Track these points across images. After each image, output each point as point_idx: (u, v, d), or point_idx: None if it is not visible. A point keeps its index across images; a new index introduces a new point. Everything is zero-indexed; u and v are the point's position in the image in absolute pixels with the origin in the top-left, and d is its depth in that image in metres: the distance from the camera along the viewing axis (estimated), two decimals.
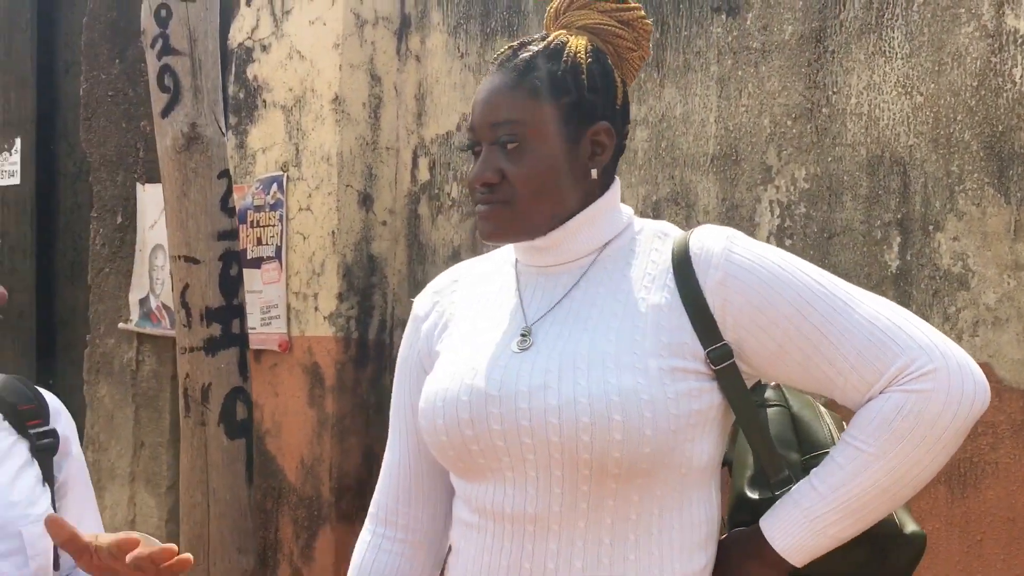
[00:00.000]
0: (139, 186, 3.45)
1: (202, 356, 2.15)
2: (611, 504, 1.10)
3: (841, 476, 1.09)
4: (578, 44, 1.16)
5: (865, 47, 2.16)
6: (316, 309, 2.98)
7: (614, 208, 1.20)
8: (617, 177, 1.21)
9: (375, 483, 3.46)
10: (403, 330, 3.22)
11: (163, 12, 2.11)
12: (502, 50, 1.20)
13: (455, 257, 2.94)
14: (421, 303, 1.30)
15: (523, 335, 1.15)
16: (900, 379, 1.08)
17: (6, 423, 1.23)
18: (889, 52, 2.13)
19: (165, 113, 2.14)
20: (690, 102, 2.44)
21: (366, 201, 3.01)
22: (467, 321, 1.22)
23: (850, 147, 2.17)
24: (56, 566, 1.24)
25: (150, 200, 3.40)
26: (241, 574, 2.17)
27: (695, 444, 1.11)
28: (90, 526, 1.31)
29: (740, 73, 2.35)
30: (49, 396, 1.31)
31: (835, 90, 2.20)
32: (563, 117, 1.15)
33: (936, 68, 2.06)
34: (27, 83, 4.34)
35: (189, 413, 2.16)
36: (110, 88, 3.55)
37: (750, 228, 2.30)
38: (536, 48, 1.16)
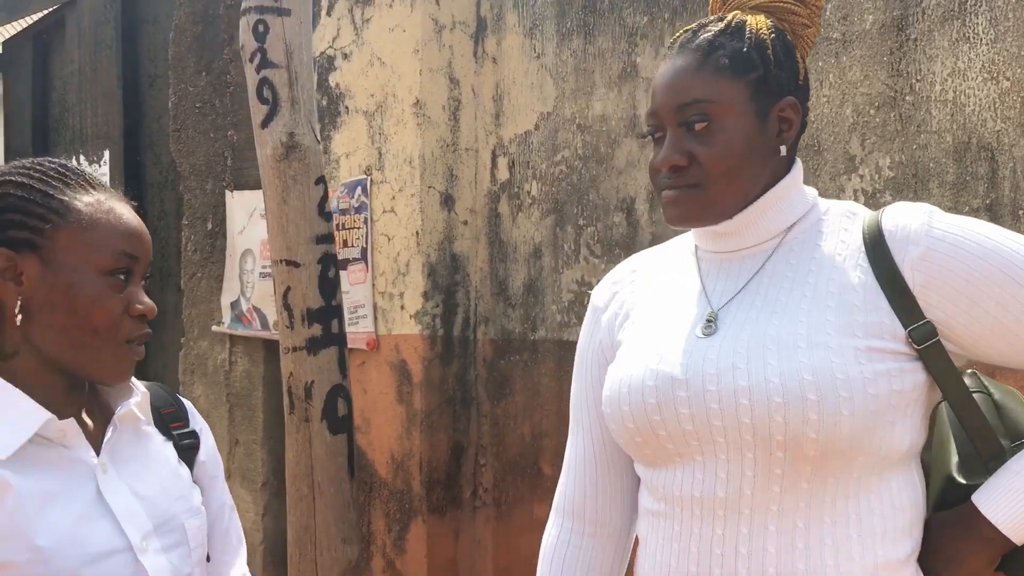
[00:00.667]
0: (228, 193, 3.57)
1: (304, 355, 2.24)
2: (805, 487, 1.06)
3: None
4: (758, 21, 1.15)
5: (948, 34, 2.16)
6: (402, 308, 3.07)
7: (799, 188, 1.18)
8: (798, 158, 1.20)
9: (464, 476, 3.54)
10: (486, 327, 3.30)
11: (260, 27, 2.20)
12: (679, 34, 1.20)
13: (536, 254, 3.00)
14: (600, 294, 1.30)
15: (708, 320, 1.13)
16: None
17: (153, 426, 1.30)
18: (974, 38, 2.13)
19: (265, 124, 2.23)
20: None
21: (448, 201, 3.09)
22: (649, 309, 1.21)
23: (935, 134, 2.18)
24: (208, 558, 1.31)
25: (238, 206, 3.52)
26: (346, 563, 2.26)
27: (896, 426, 1.07)
28: (228, 516, 1.39)
29: (820, 64, 2.36)
30: (183, 399, 1.39)
31: (919, 78, 2.21)
32: (751, 94, 1.13)
33: (1022, 53, 2.05)
34: (113, 97, 4.52)
35: (293, 410, 2.25)
36: (197, 100, 3.69)
37: None
38: (717, 28, 1.15)
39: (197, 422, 1.37)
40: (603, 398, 1.19)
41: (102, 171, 4.60)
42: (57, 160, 1.22)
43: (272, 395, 3.44)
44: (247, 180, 3.50)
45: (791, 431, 1.04)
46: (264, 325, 3.43)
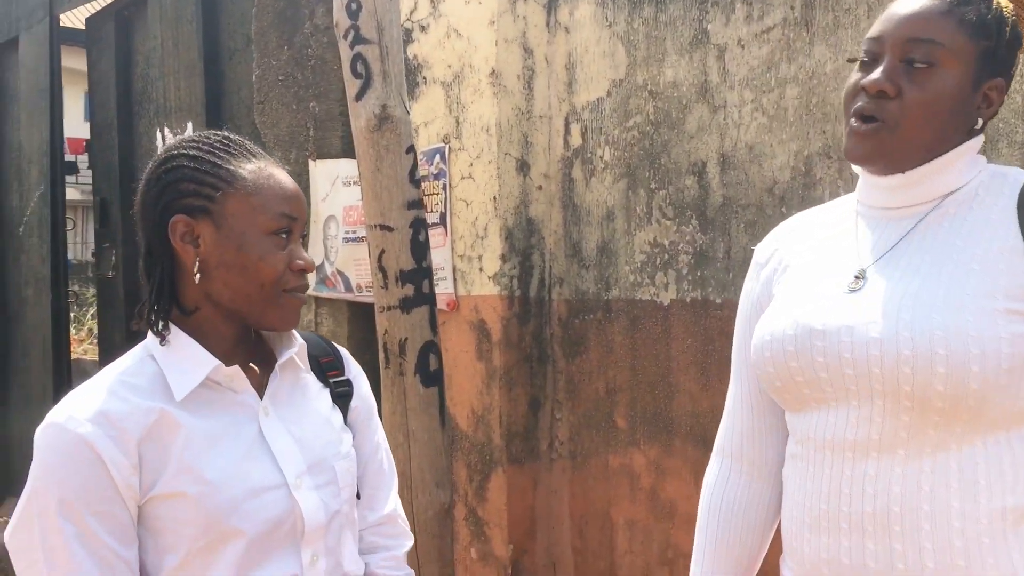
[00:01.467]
0: (311, 162, 3.74)
1: (398, 314, 2.39)
2: (932, 434, 1.09)
3: None
4: (1003, 1, 1.17)
5: None
6: (481, 270, 3.22)
7: (972, 156, 1.20)
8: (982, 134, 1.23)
9: (541, 430, 3.69)
10: (561, 287, 3.42)
11: (354, 6, 2.33)
12: None
13: (609, 217, 3.12)
14: (761, 250, 1.37)
15: (856, 277, 1.18)
16: None
17: (311, 374, 1.42)
18: None
19: (359, 97, 2.37)
20: (840, 58, 2.54)
21: (523, 167, 3.21)
22: (803, 265, 1.28)
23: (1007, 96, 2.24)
24: (358, 495, 1.44)
25: (321, 175, 3.69)
26: (440, 506, 2.43)
27: None
28: (381, 454, 1.51)
29: None
30: (340, 348, 1.51)
31: None
32: (977, 59, 1.15)
33: None
34: (195, 70, 4.70)
35: (388, 365, 2.42)
36: (280, 73, 3.85)
37: None
38: None
39: (352, 370, 1.49)
40: (751, 345, 1.27)
41: None
42: (220, 132, 1.35)
43: (356, 354, 3.61)
44: (329, 149, 3.67)
45: (919, 383, 1.08)
46: (348, 288, 3.61)
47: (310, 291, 3.72)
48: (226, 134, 1.36)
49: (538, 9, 3.21)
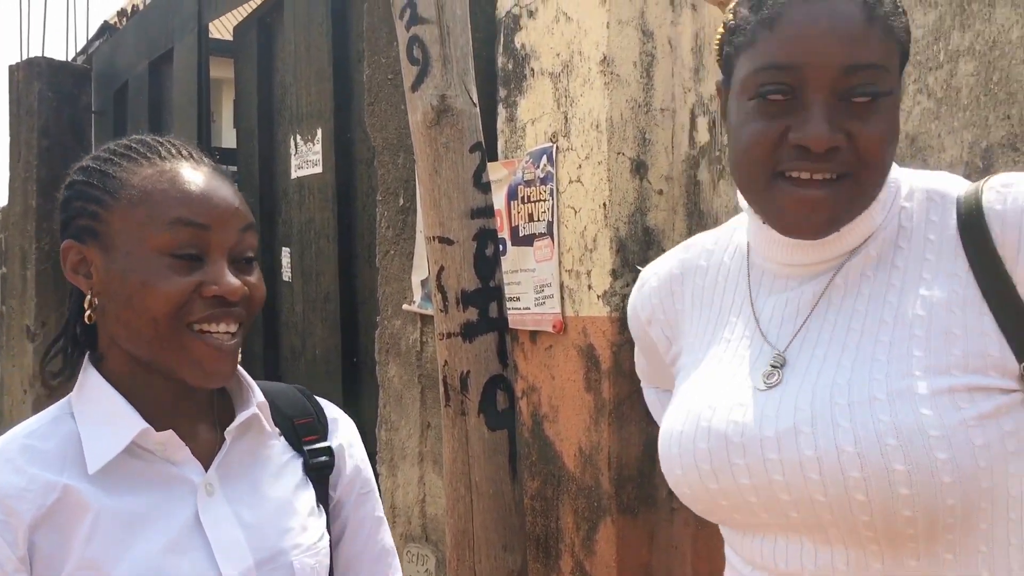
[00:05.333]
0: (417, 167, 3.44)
1: (459, 342, 2.02)
2: (914, 564, 0.85)
3: None
4: None
5: None
6: (589, 287, 2.80)
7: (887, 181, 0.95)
8: None
9: (658, 474, 3.18)
10: None
11: None
12: None
13: None
14: (641, 305, 1.12)
15: (772, 366, 0.91)
16: None
17: (282, 439, 1.14)
18: None
19: (415, 87, 2.03)
20: None
21: (639, 169, 2.77)
22: (699, 336, 1.02)
23: None
24: None
25: None
26: (507, 573, 2.04)
27: (1020, 470, 0.83)
28: (382, 539, 1.20)
29: None
30: (328, 407, 1.22)
31: None
32: (900, 67, 0.92)
33: None
34: (324, 75, 4.55)
35: (449, 402, 2.05)
36: (388, 71, 3.58)
37: None
38: None
39: (339, 434, 1.18)
40: (660, 454, 1.00)
41: (315, 149, 4.65)
42: (145, 136, 1.08)
43: None
44: None
45: (878, 511, 0.82)
46: None
47: (414, 308, 3.42)
48: (146, 137, 1.08)
49: None
